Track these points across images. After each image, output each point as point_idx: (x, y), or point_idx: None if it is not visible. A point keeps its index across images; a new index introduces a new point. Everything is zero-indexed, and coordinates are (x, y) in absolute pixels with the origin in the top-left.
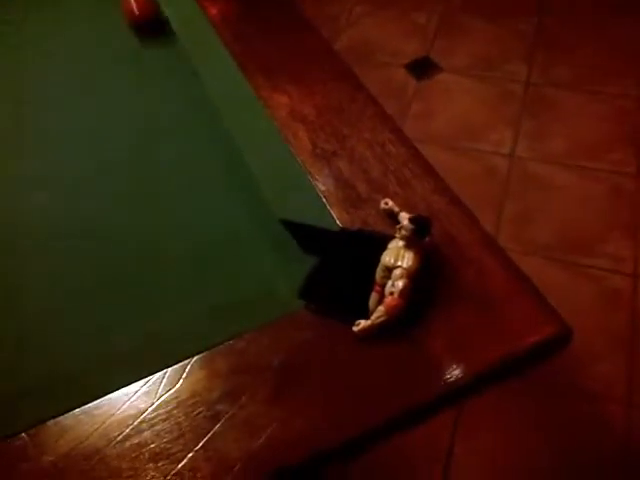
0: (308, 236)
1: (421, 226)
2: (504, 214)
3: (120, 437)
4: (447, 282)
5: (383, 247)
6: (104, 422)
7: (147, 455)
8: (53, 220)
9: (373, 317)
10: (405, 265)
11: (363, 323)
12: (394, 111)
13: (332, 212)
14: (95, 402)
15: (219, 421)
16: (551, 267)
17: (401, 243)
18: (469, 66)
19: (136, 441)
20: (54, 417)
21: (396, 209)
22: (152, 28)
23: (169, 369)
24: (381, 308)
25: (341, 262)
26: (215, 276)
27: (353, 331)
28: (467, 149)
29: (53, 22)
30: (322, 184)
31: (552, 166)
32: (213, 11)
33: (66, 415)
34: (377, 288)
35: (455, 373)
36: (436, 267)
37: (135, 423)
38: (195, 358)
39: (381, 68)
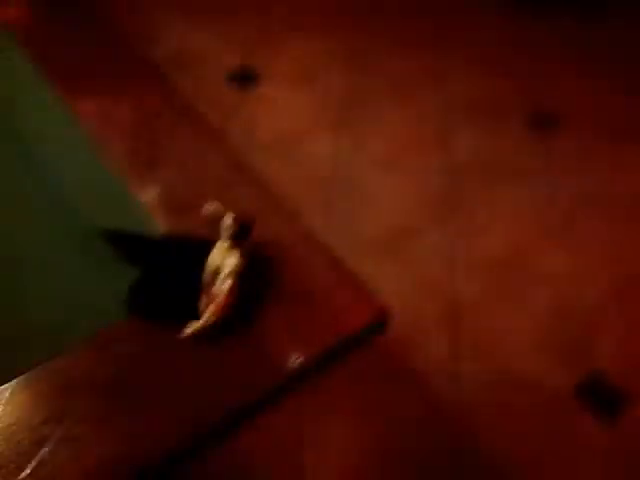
0: (131, 246)
1: (244, 225)
2: (330, 214)
3: None
4: (273, 280)
5: (208, 250)
6: None
7: None
8: None
9: (204, 318)
10: (231, 265)
11: (194, 324)
12: (216, 121)
13: (155, 221)
14: None
15: (44, 445)
16: (375, 260)
17: (226, 244)
18: (289, 76)
19: None
20: None
21: (220, 212)
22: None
23: None
24: (211, 308)
25: (166, 269)
26: (35, 294)
27: (184, 334)
28: (290, 155)
29: None
30: (142, 193)
31: (370, 168)
32: (9, 14)
33: None
34: (206, 291)
35: (286, 363)
36: (262, 266)
37: None
38: (15, 382)
39: (201, 79)
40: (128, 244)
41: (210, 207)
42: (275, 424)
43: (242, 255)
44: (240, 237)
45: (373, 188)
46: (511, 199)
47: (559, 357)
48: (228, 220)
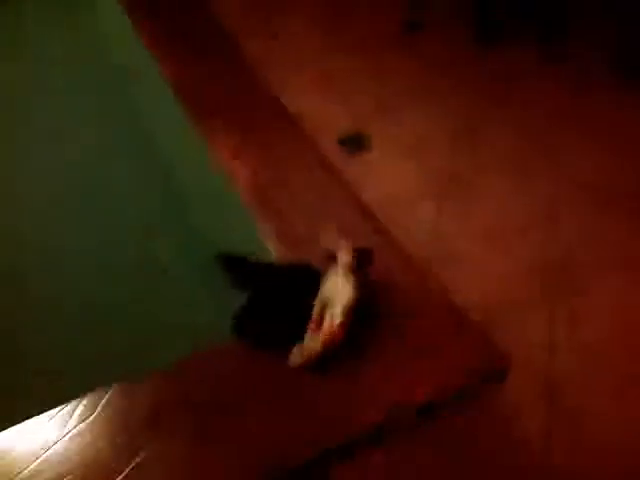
0: (243, 270)
1: (362, 257)
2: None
3: (26, 472)
4: (385, 315)
5: (318, 279)
6: (6, 456)
7: None
8: None
9: (311, 349)
10: (344, 297)
11: (301, 353)
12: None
13: (270, 249)
14: None
15: (137, 455)
16: None
17: (340, 275)
18: (399, 145)
19: (46, 476)
20: None
21: (336, 244)
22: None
23: (86, 397)
24: (319, 341)
25: (275, 295)
26: (139, 307)
27: (288, 362)
28: (390, 222)
29: None
30: (261, 221)
31: (474, 242)
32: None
33: None
34: (313, 323)
35: (390, 406)
36: (376, 301)
37: (45, 456)
38: (113, 388)
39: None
40: (241, 269)
41: (327, 236)
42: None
43: (356, 288)
44: (357, 269)
45: (473, 262)
46: (618, 286)
47: None
48: (346, 251)
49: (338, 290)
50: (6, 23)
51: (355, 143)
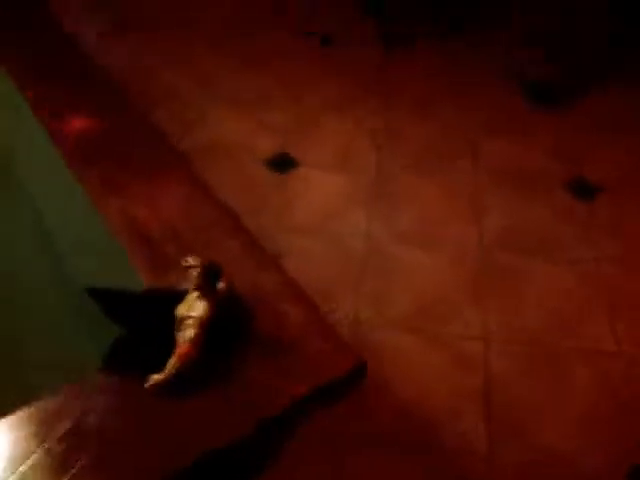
0: (113, 302)
1: (211, 274)
2: (362, 291)
3: None
4: (247, 328)
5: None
6: None
7: None
8: None
9: (166, 370)
10: (196, 314)
11: (155, 377)
12: (253, 204)
13: (139, 276)
14: None
15: None
16: (408, 336)
17: (195, 294)
18: (324, 159)
19: None
20: None
21: (197, 265)
22: None
23: None
24: (172, 360)
25: (144, 325)
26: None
27: (145, 387)
28: (325, 232)
29: None
30: (131, 249)
31: (401, 245)
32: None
33: None
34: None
35: (253, 415)
36: (235, 314)
37: None
38: None
39: (238, 164)
40: (111, 300)
41: (188, 260)
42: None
43: (210, 305)
44: (207, 286)
45: (405, 265)
46: (548, 273)
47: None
48: (194, 271)
49: (191, 308)
50: None
51: (281, 162)
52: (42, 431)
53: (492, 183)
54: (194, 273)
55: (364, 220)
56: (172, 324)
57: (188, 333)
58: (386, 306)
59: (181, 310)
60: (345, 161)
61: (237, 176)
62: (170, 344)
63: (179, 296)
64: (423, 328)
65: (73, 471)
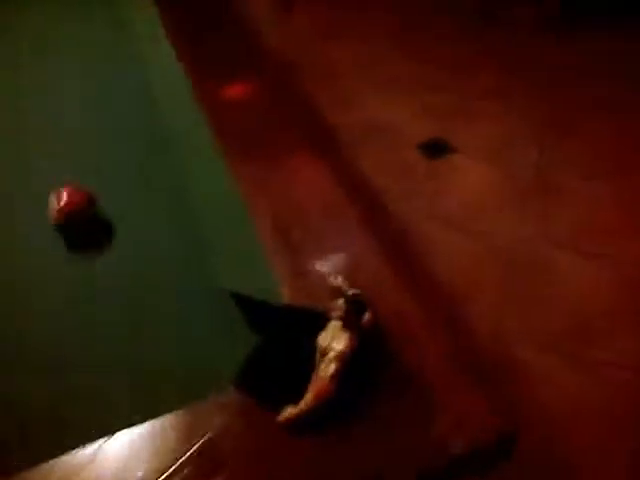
0: (255, 311)
1: (357, 308)
2: (507, 297)
3: None
4: (386, 367)
5: (323, 325)
6: None
7: None
8: None
9: (301, 405)
10: (338, 347)
11: (290, 411)
12: (406, 188)
13: (282, 291)
14: None
15: None
16: (552, 357)
17: (339, 323)
18: (480, 148)
19: None
20: None
21: (344, 287)
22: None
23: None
24: (309, 395)
25: (280, 345)
26: (140, 349)
27: (279, 420)
28: (474, 230)
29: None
30: (277, 260)
31: (558, 250)
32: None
33: None
34: (315, 371)
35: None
36: (375, 350)
37: None
38: (107, 439)
39: (392, 148)
40: (255, 309)
41: (335, 280)
42: None
43: (352, 337)
44: (351, 317)
45: (559, 271)
46: None
47: None
48: (340, 301)
49: (334, 339)
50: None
51: (435, 148)
52: (176, 447)
53: None
54: (339, 302)
55: (517, 219)
56: (311, 348)
57: (329, 368)
58: (534, 318)
59: (324, 340)
60: (503, 153)
61: (391, 159)
62: (307, 368)
63: (319, 317)
64: (571, 355)
65: None
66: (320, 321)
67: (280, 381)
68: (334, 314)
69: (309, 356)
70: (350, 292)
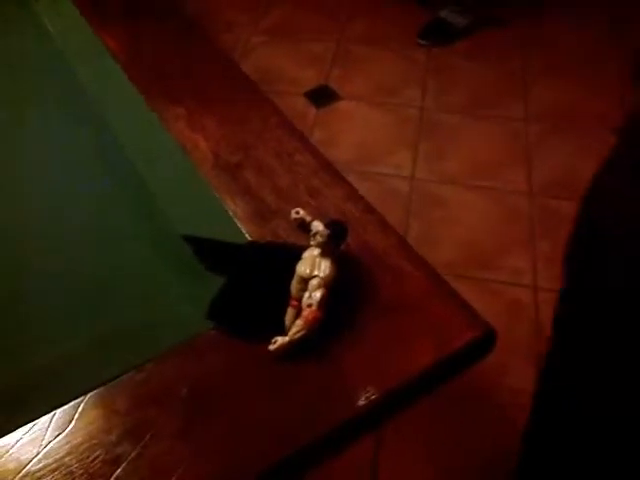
0: (214, 252)
1: (337, 232)
2: (408, 235)
3: None
4: (364, 290)
5: (296, 259)
6: None
7: None
8: None
9: (291, 332)
10: (322, 274)
11: (280, 340)
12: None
13: (240, 226)
14: None
15: (120, 465)
16: (454, 283)
17: (316, 251)
18: (367, 93)
19: None
20: None
21: (308, 218)
22: None
23: (57, 411)
24: (299, 322)
25: (251, 278)
26: (106, 303)
27: (269, 350)
28: (369, 173)
29: None
30: (227, 197)
31: (450, 186)
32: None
33: None
34: (293, 302)
35: (375, 389)
36: (352, 275)
37: (16, 478)
38: (88, 396)
39: (280, 96)
40: (212, 251)
41: (298, 213)
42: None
43: (333, 263)
44: (332, 244)
45: (452, 206)
46: None
47: None
48: (319, 226)
49: (315, 267)
50: None
51: (322, 95)
52: (162, 395)
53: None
54: (320, 228)
55: (409, 160)
56: (281, 279)
57: (315, 294)
58: (431, 249)
59: (304, 268)
60: (389, 97)
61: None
62: (277, 301)
63: (287, 250)
64: (467, 277)
65: (195, 437)
66: (290, 255)
67: (255, 313)
68: (313, 241)
69: (283, 288)
70: (321, 221)
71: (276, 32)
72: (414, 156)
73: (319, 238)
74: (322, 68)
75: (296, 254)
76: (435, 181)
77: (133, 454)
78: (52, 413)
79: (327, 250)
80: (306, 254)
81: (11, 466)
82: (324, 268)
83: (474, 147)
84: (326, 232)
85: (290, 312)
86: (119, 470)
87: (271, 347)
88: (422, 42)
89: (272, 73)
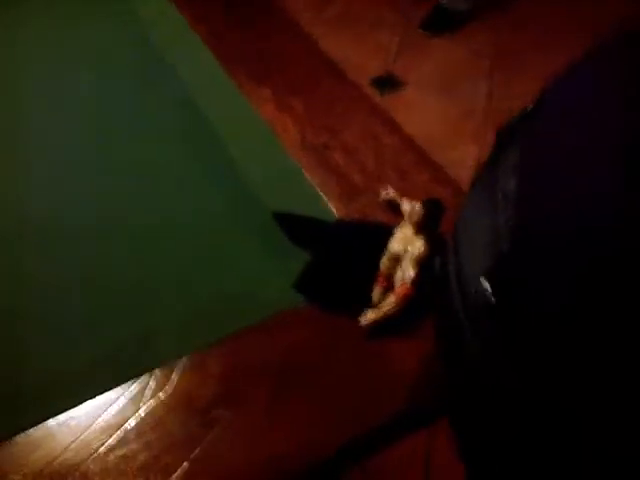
0: (302, 229)
1: (434, 210)
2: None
3: (102, 449)
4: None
5: (383, 237)
6: (82, 433)
7: (135, 468)
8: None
9: (384, 307)
10: (416, 252)
11: (372, 313)
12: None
13: (328, 204)
14: (70, 411)
15: (213, 428)
16: None
17: (409, 230)
18: (431, 83)
19: (121, 453)
20: (23, 430)
21: (398, 198)
22: None
23: (156, 370)
24: (392, 298)
25: (339, 254)
26: (201, 275)
27: (359, 323)
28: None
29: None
30: (315, 176)
31: None
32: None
33: (37, 427)
34: (381, 279)
35: None
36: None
37: (119, 432)
38: (184, 359)
39: (344, 84)
40: (302, 228)
41: (388, 193)
42: None
43: (427, 242)
44: (427, 223)
45: None
46: None
47: None
48: (416, 206)
49: (408, 244)
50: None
51: (387, 83)
52: (242, 368)
53: None
54: (416, 207)
55: (477, 150)
56: (369, 256)
57: (408, 272)
58: None
59: (397, 246)
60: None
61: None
62: (364, 276)
63: (376, 228)
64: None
65: (282, 409)
66: (378, 234)
67: (342, 286)
68: (409, 219)
69: (370, 265)
70: (413, 201)
71: (340, 22)
72: (479, 148)
73: (415, 217)
74: (387, 57)
75: (383, 232)
76: None
77: (226, 419)
78: (150, 373)
79: (421, 228)
80: (399, 232)
81: (114, 421)
82: (419, 246)
83: None
84: (422, 211)
85: (377, 290)
86: (212, 433)
87: (362, 320)
88: (424, 32)
89: (337, 63)
